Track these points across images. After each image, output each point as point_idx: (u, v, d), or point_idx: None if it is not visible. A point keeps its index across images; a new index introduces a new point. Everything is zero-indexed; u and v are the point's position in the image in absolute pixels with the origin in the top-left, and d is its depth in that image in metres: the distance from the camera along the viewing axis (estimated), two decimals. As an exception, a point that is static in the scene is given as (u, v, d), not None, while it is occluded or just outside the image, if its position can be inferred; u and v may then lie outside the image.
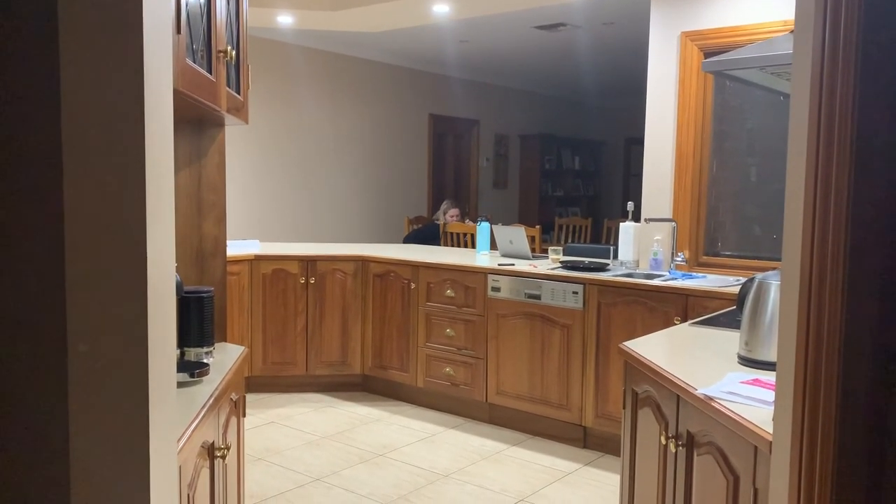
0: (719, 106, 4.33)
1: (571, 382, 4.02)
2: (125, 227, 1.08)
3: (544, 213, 10.10)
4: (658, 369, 2.10)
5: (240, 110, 2.42)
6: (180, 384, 1.85)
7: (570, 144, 10.93)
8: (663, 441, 2.08)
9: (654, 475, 2.16)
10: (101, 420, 1.09)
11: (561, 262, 4.43)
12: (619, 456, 2.81)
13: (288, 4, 5.71)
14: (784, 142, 1.38)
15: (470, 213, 9.01)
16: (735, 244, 4.43)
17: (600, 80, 9.49)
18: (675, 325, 3.38)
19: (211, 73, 2.03)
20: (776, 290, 2.04)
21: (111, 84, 1.07)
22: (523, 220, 9.61)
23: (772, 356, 1.84)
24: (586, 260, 4.57)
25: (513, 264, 4.40)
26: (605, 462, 3.85)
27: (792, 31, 1.42)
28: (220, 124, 2.53)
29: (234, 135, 4.26)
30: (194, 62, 1.86)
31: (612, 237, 7.88)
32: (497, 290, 4.28)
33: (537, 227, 6.64)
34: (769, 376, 1.85)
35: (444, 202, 7.26)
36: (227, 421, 2.07)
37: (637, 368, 2.28)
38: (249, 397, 4.60)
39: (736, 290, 3.06)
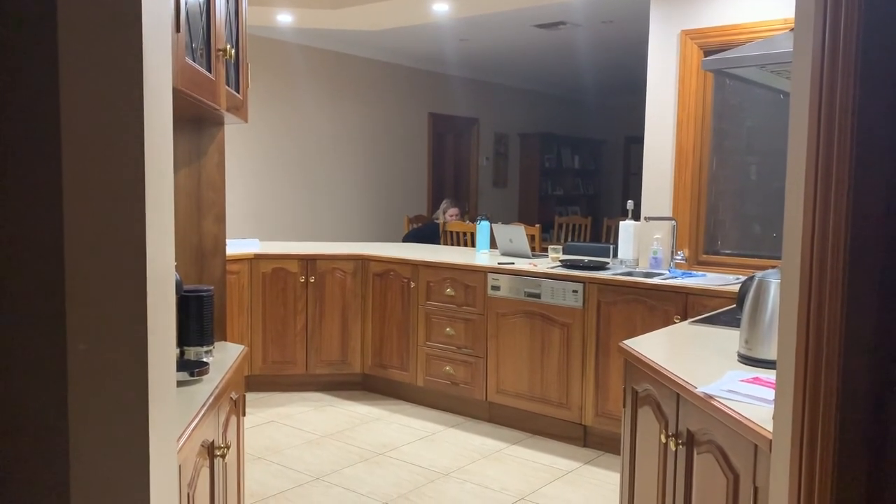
0: (719, 104, 4.32)
1: (571, 381, 4.02)
2: (125, 225, 1.08)
3: (544, 212, 10.09)
4: (658, 368, 2.10)
5: (239, 109, 2.42)
6: (180, 383, 1.85)
7: (570, 143, 10.92)
8: (663, 439, 2.08)
9: (654, 474, 2.16)
10: (100, 419, 1.08)
11: (561, 261, 4.43)
12: (619, 454, 2.82)
13: (287, 3, 5.71)
14: (784, 140, 1.38)
15: (470, 211, 9.00)
16: (735, 242, 4.43)
17: (600, 78, 9.49)
18: (675, 323, 3.38)
19: (210, 72, 2.03)
20: (776, 288, 2.04)
21: (110, 82, 1.07)
22: (523, 218, 9.61)
23: (772, 354, 1.84)
24: (586, 259, 4.57)
25: (512, 263, 4.40)
26: (605, 461, 3.85)
27: (792, 30, 1.42)
28: (219, 123, 2.53)
29: (234, 133, 4.26)
30: (194, 61, 1.86)
31: (612, 236, 7.88)
32: (497, 288, 4.28)
33: (537, 225, 6.63)
34: (769, 374, 1.85)
35: (444, 201, 7.26)
36: (227, 420, 2.07)
37: (637, 367, 2.28)
38: (249, 396, 4.60)
39: (736, 288, 3.06)
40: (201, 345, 2.18)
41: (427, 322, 4.60)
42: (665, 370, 2.06)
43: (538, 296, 4.12)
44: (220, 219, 2.57)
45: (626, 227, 4.32)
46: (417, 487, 3.51)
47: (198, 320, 2.17)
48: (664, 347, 2.49)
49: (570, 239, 8.44)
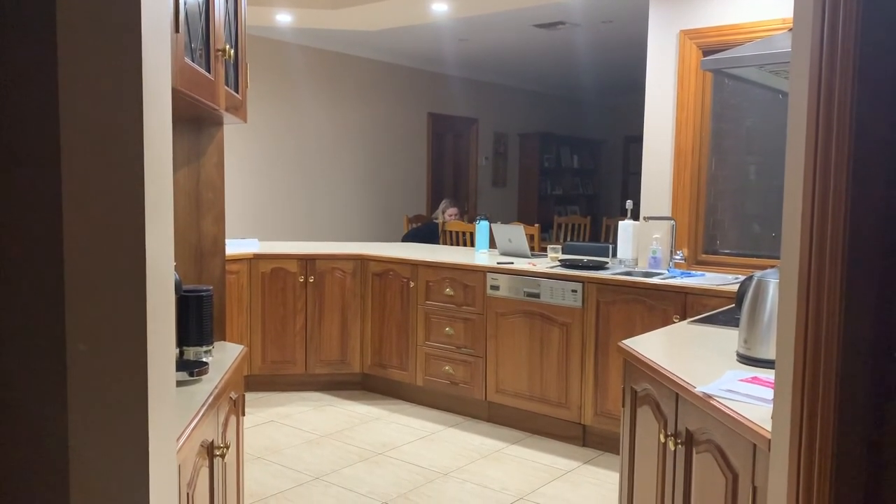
0: (718, 104, 4.33)
1: (570, 381, 4.02)
2: (124, 225, 1.08)
3: (543, 212, 10.10)
4: (657, 367, 2.10)
5: (238, 109, 2.42)
6: (179, 383, 1.85)
7: (569, 143, 10.92)
8: (662, 439, 2.08)
9: (654, 473, 2.16)
10: (100, 419, 1.08)
11: (560, 261, 4.43)
12: (618, 454, 2.82)
13: (287, 3, 5.71)
14: (783, 140, 1.38)
15: (469, 211, 9.00)
16: (734, 242, 4.43)
17: (599, 78, 9.49)
18: (674, 323, 3.38)
19: (209, 72, 2.03)
20: (775, 287, 2.05)
21: (109, 83, 1.07)
22: (522, 218, 9.61)
23: (770, 354, 1.84)
24: (585, 258, 4.57)
25: (512, 263, 4.40)
26: (604, 460, 3.86)
27: (790, 30, 1.42)
28: (218, 123, 2.53)
29: (233, 133, 4.26)
30: (193, 61, 1.86)
31: (611, 235, 7.89)
32: (496, 288, 4.28)
33: (536, 225, 6.64)
34: (768, 374, 1.86)
35: (443, 201, 7.26)
36: (227, 420, 2.07)
37: (636, 366, 2.28)
38: (249, 396, 4.60)
39: (735, 288, 3.06)
40: (201, 345, 2.18)
41: (426, 322, 4.60)
42: (664, 370, 2.06)
43: (537, 295, 4.12)
44: (220, 219, 2.57)
45: (626, 226, 4.32)
46: (417, 487, 3.51)
47: (197, 320, 2.17)
48: (663, 347, 2.49)
49: (569, 239, 8.45)
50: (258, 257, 4.78)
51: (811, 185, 1.27)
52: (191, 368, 1.97)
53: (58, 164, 1.05)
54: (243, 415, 2.38)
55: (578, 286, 3.97)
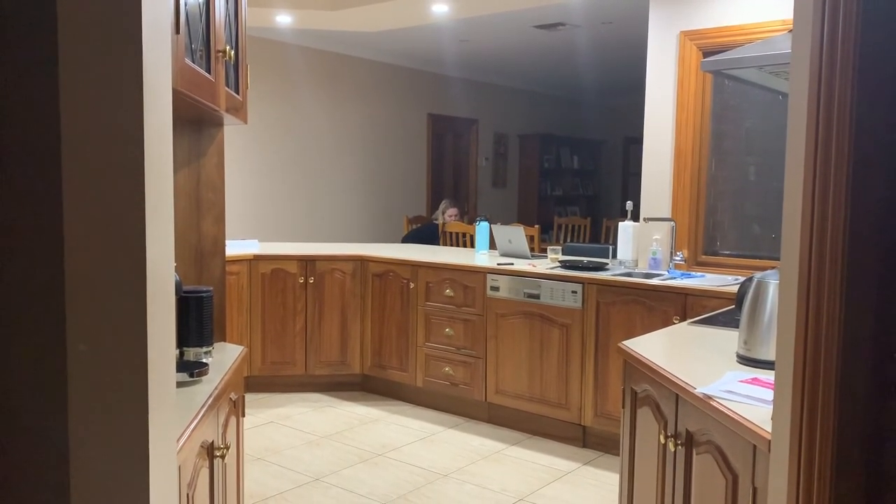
0: (718, 105, 4.33)
1: (570, 382, 4.02)
2: (124, 226, 1.08)
3: (543, 213, 10.10)
4: (657, 368, 2.11)
5: (239, 110, 2.42)
6: (180, 384, 1.85)
7: (569, 144, 10.93)
8: (662, 440, 2.08)
9: (654, 474, 2.16)
10: (100, 419, 1.09)
11: (560, 262, 4.43)
12: (618, 455, 2.82)
13: (287, 4, 5.71)
14: (783, 141, 1.38)
15: (469, 212, 9.01)
16: (734, 243, 4.43)
17: (599, 79, 9.50)
18: (674, 324, 3.38)
19: (210, 73, 2.03)
20: (775, 289, 2.05)
21: (110, 84, 1.07)
22: (522, 219, 9.62)
23: (770, 355, 1.84)
24: (585, 259, 4.57)
25: (512, 264, 4.40)
26: (604, 461, 3.85)
27: (790, 31, 1.42)
28: (219, 124, 2.53)
29: (233, 134, 4.26)
30: (193, 62, 1.86)
31: (611, 236, 7.89)
32: (496, 289, 4.28)
33: (536, 226, 6.64)
34: (768, 375, 1.86)
35: (443, 201, 7.26)
36: (227, 421, 2.07)
37: (636, 367, 2.28)
38: (248, 397, 4.60)
39: (735, 289, 3.06)
40: (201, 345, 2.18)
41: (426, 323, 4.60)
42: (664, 371, 2.06)
43: (537, 296, 4.12)
44: (220, 219, 2.57)
45: (626, 227, 4.32)
46: (417, 488, 3.51)
47: (197, 321, 2.17)
48: (663, 348, 2.50)
49: (569, 239, 8.45)
50: (258, 258, 4.78)
51: (811, 186, 1.27)
52: (191, 369, 1.97)
53: (58, 165, 1.05)
54: (243, 416, 2.38)
55: (578, 287, 3.97)
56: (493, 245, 5.04)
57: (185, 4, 1.75)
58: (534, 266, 4.31)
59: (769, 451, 1.44)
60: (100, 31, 1.06)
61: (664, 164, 4.40)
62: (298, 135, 7.54)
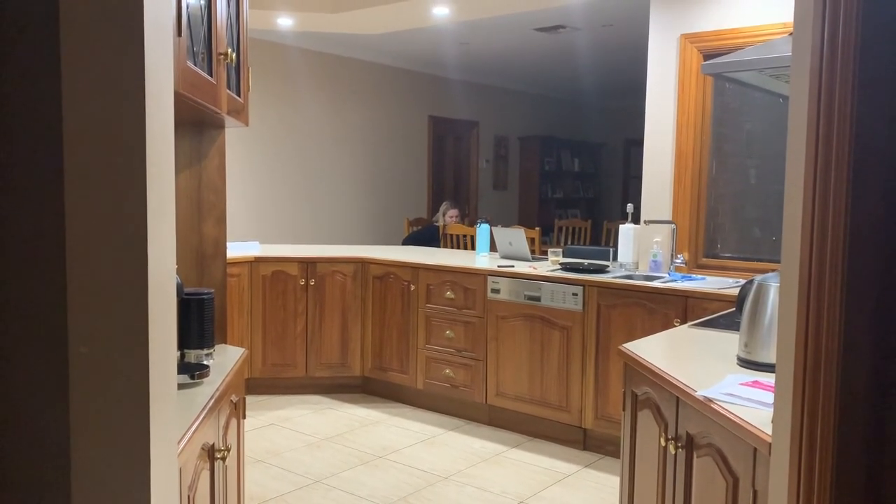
0: (719, 108, 4.33)
1: (571, 384, 4.02)
2: (126, 228, 1.09)
3: (544, 215, 10.10)
4: (658, 371, 2.11)
5: (240, 112, 2.42)
6: (181, 386, 1.85)
7: (570, 146, 10.93)
8: (663, 443, 2.08)
9: (654, 477, 2.16)
10: (101, 422, 1.09)
11: (560, 264, 4.43)
12: (618, 458, 2.82)
13: (288, 6, 5.72)
14: (783, 143, 1.38)
15: (469, 214, 9.01)
16: (734, 246, 4.43)
17: (600, 81, 9.50)
18: (675, 326, 3.38)
19: (211, 76, 2.03)
20: (775, 291, 2.05)
21: (112, 86, 1.07)
22: (523, 221, 9.62)
23: (771, 358, 1.84)
24: (586, 262, 4.57)
25: (512, 266, 4.40)
26: (604, 464, 3.85)
27: (791, 34, 1.43)
28: (220, 126, 2.54)
29: (235, 137, 4.26)
30: (195, 64, 1.86)
31: (612, 239, 7.89)
32: (497, 291, 4.29)
33: (537, 228, 6.64)
34: (768, 378, 1.86)
35: (444, 203, 7.27)
36: (228, 423, 2.07)
37: (637, 370, 2.28)
38: (249, 399, 4.60)
39: (735, 291, 3.06)
40: (202, 347, 2.19)
41: (427, 325, 4.60)
42: (665, 373, 2.06)
43: (538, 299, 4.12)
44: (221, 221, 2.57)
45: (626, 230, 4.32)
46: (417, 490, 3.51)
47: (198, 323, 2.18)
48: (664, 351, 2.50)
49: (569, 242, 8.45)
50: (259, 260, 4.79)
51: (811, 188, 1.27)
52: (192, 371, 1.97)
53: (60, 168, 1.05)
54: (244, 418, 2.39)
55: (579, 289, 3.97)
56: (493, 247, 5.04)
57: (187, 7, 1.75)
58: (534, 268, 4.31)
59: (770, 454, 1.44)
60: (102, 33, 1.06)
61: (665, 167, 4.40)
62: (299, 137, 7.55)
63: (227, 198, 2.60)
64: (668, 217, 4.36)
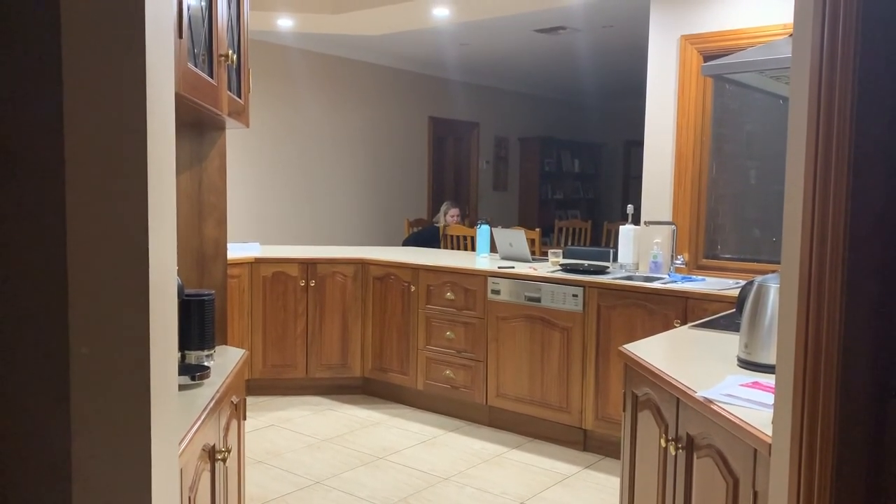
0: (719, 109, 4.33)
1: (571, 385, 4.02)
2: (127, 229, 1.09)
3: (544, 216, 10.10)
4: (658, 372, 2.11)
5: (241, 114, 2.42)
6: (181, 387, 1.85)
7: (570, 147, 10.93)
8: (663, 444, 2.08)
9: (654, 478, 2.16)
10: (102, 423, 1.09)
11: (561, 265, 4.43)
12: (619, 459, 2.82)
13: (288, 8, 5.72)
14: (783, 144, 1.38)
15: (470, 215, 9.01)
16: (735, 247, 4.43)
17: (600, 82, 9.50)
18: (675, 327, 3.38)
19: (212, 77, 2.03)
20: (776, 292, 2.05)
21: (113, 88, 1.07)
22: (523, 222, 9.62)
23: (771, 359, 1.84)
24: (586, 263, 4.57)
25: (512, 267, 4.40)
26: (605, 465, 3.85)
27: (791, 35, 1.43)
28: (221, 127, 2.54)
29: (235, 138, 4.26)
30: (196, 66, 1.87)
31: (612, 240, 7.88)
32: (497, 292, 4.29)
33: (537, 229, 6.64)
34: (769, 379, 1.86)
35: (445, 203, 7.27)
36: (228, 424, 2.07)
37: (637, 371, 2.28)
38: (249, 400, 4.60)
39: (735, 292, 3.06)
40: (202, 349, 2.19)
41: (427, 326, 4.60)
42: (665, 374, 2.06)
43: (538, 300, 4.12)
44: (222, 223, 2.58)
45: (626, 231, 4.32)
46: (417, 491, 3.51)
47: (199, 324, 2.18)
48: (664, 351, 2.50)
49: (570, 243, 8.45)
50: (259, 261, 4.79)
51: (811, 189, 1.27)
52: (192, 372, 1.97)
53: (62, 168, 1.06)
54: (244, 419, 2.39)
55: (579, 290, 3.97)
56: (493, 248, 5.04)
57: (188, 8, 1.76)
58: (534, 269, 4.31)
59: (770, 454, 1.44)
60: (103, 35, 1.06)
61: (665, 168, 4.40)
62: (300, 138, 7.55)
63: (228, 199, 2.61)
64: (669, 218, 4.36)
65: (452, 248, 6.57)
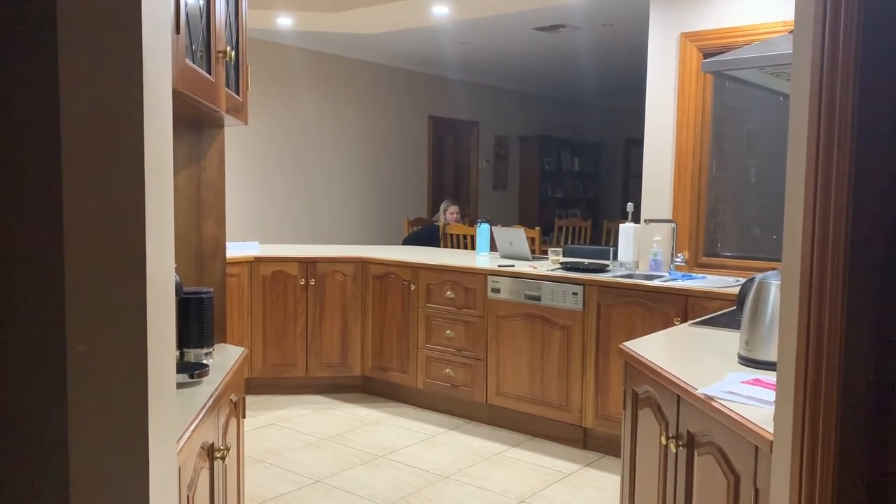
0: (719, 106, 4.33)
1: (571, 383, 4.02)
2: (125, 227, 1.08)
3: (544, 215, 10.10)
4: (658, 369, 2.10)
5: (239, 111, 2.42)
6: (180, 385, 1.85)
7: (570, 146, 10.93)
8: (664, 441, 2.07)
9: (655, 476, 2.16)
10: (100, 421, 1.08)
11: (561, 264, 4.43)
12: (619, 457, 2.81)
13: (287, 6, 5.71)
14: (784, 142, 1.38)
15: (470, 214, 9.01)
16: (735, 245, 4.43)
17: (600, 81, 9.50)
18: (676, 325, 3.38)
19: (210, 74, 2.03)
20: (776, 289, 2.04)
21: (110, 84, 1.07)
22: (523, 221, 9.62)
23: (772, 356, 1.84)
24: (586, 261, 4.57)
25: (513, 265, 4.40)
26: (605, 463, 3.85)
27: (791, 32, 1.42)
28: (219, 125, 2.53)
29: (234, 136, 4.26)
30: (193, 63, 1.86)
31: (612, 238, 7.89)
32: (497, 291, 4.28)
33: (537, 228, 6.64)
34: (769, 376, 1.85)
35: (444, 201, 7.27)
36: (227, 422, 2.07)
37: (637, 369, 2.28)
38: (249, 399, 4.60)
39: (736, 290, 3.06)
40: (201, 347, 2.18)
41: (427, 324, 4.60)
42: (665, 372, 2.06)
43: (538, 298, 4.12)
44: (220, 221, 2.57)
45: (626, 229, 4.32)
46: (417, 490, 3.50)
47: (198, 322, 2.17)
48: (664, 349, 2.49)
49: (570, 241, 8.45)
50: (259, 260, 4.78)
51: (812, 187, 1.27)
52: (191, 370, 1.97)
53: (59, 166, 1.05)
54: (244, 417, 2.38)
55: (579, 289, 3.97)
56: (493, 247, 5.04)
57: (186, 5, 1.75)
58: (535, 268, 4.30)
59: (771, 451, 1.44)
60: (100, 32, 1.06)
61: (665, 166, 4.40)
62: (299, 137, 7.54)
63: (227, 197, 2.60)
64: (669, 216, 4.36)
65: (452, 247, 6.57)
